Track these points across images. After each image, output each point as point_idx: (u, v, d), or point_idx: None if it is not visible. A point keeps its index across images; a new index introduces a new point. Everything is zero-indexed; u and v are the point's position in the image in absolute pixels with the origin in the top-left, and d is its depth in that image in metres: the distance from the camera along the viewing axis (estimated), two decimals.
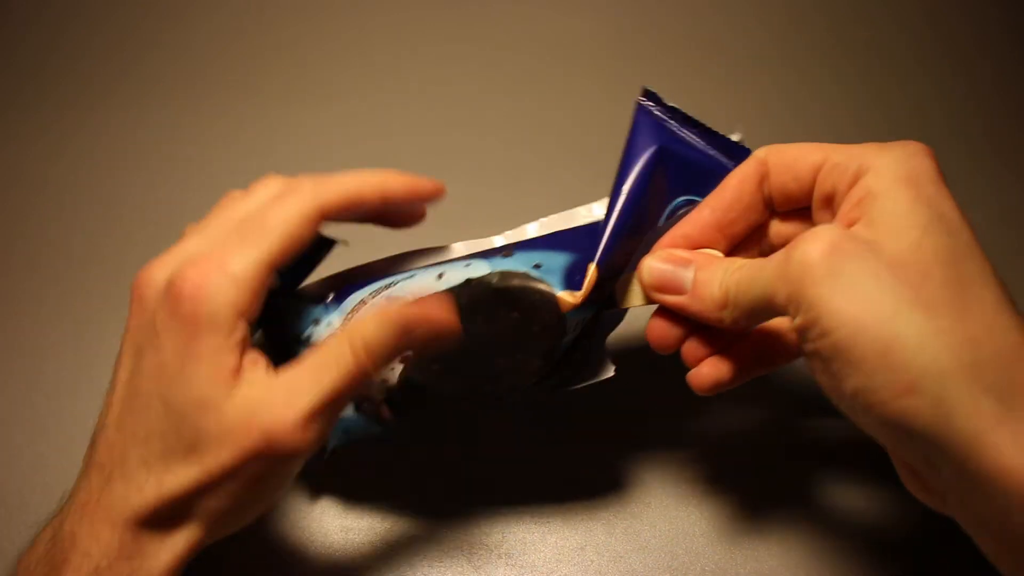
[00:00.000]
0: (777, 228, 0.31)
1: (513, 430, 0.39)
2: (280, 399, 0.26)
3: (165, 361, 0.27)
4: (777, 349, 0.31)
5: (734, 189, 0.30)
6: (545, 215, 0.33)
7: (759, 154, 0.30)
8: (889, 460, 0.28)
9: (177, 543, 0.28)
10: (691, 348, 0.31)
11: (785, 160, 0.29)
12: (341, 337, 0.27)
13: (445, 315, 0.28)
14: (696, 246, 0.30)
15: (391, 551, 0.35)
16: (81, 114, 0.56)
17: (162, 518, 0.27)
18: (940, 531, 0.34)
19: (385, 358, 0.27)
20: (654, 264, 0.30)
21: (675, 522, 0.36)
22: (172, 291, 0.27)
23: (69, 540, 0.27)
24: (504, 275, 0.30)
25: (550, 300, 0.29)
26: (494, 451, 0.38)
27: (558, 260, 0.31)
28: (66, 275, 0.46)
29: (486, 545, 0.35)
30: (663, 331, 0.31)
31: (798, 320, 0.25)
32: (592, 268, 0.30)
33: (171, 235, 0.30)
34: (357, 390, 0.28)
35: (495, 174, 0.51)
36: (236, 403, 0.26)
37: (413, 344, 0.28)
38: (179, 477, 0.27)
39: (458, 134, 0.55)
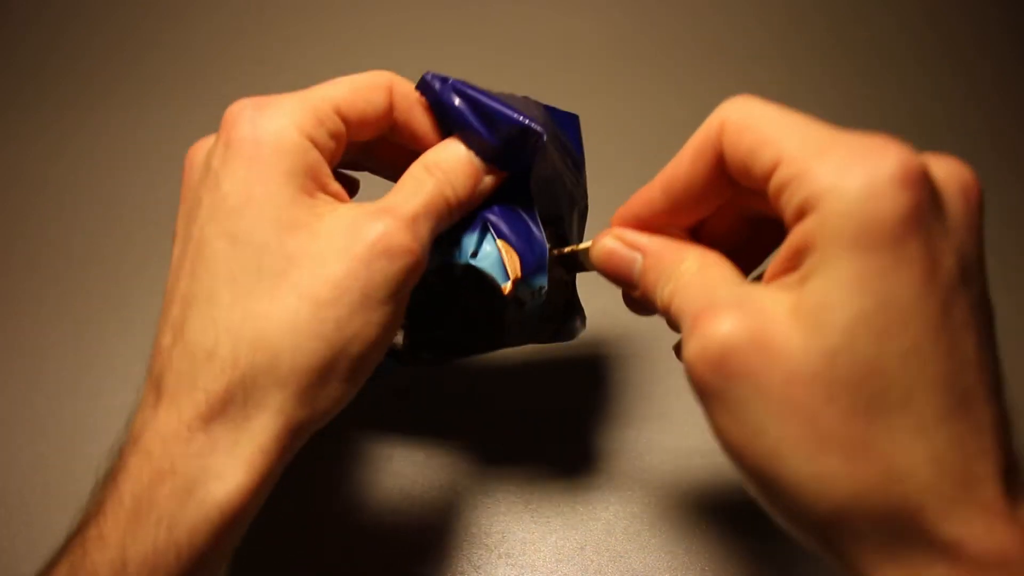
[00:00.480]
0: (754, 201, 0.25)
1: (514, 428, 0.39)
2: (380, 208, 0.24)
3: (226, 193, 0.23)
4: None
5: (687, 171, 0.24)
6: None
7: (714, 122, 0.23)
8: None
9: (264, 426, 0.22)
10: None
11: (740, 149, 0.22)
12: (417, 164, 0.26)
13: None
14: (651, 230, 0.26)
15: (390, 550, 0.35)
16: (81, 114, 0.56)
17: (242, 390, 0.22)
18: None
19: (461, 179, 0.27)
20: (604, 245, 0.27)
21: (676, 522, 0.36)
22: (224, 125, 0.24)
23: (131, 443, 0.23)
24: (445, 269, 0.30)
25: (495, 287, 0.29)
26: (494, 450, 0.38)
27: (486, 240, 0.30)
28: (66, 275, 0.46)
29: (486, 545, 0.35)
30: (631, 300, 0.28)
31: None
32: (501, 245, 0.29)
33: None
34: (446, 214, 0.26)
35: None
36: (332, 219, 0.23)
37: (491, 182, 0.28)
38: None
39: None
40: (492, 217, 0.29)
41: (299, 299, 0.22)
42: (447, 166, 0.26)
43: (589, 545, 0.35)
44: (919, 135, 0.57)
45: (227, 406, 0.22)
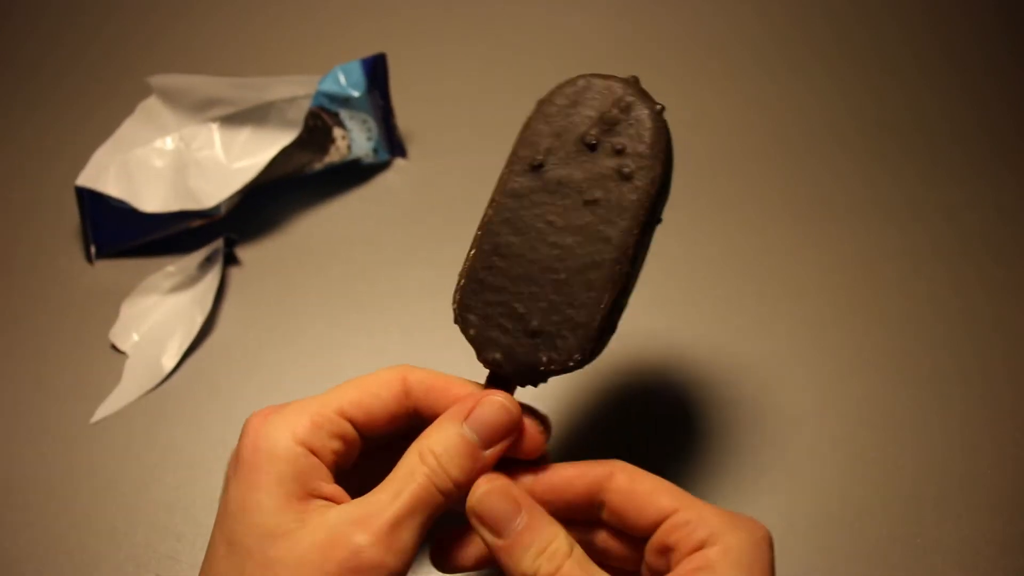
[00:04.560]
0: (604, 539, 0.29)
1: None
2: (360, 515, 0.25)
3: (227, 501, 0.26)
4: None
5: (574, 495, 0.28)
6: None
7: (610, 468, 0.28)
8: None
9: None
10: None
11: (637, 490, 0.27)
12: (412, 450, 0.27)
13: (514, 414, 0.28)
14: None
15: None
16: (81, 114, 0.56)
17: None
18: None
19: (456, 461, 0.26)
20: (497, 486, 0.27)
21: None
22: (241, 433, 0.27)
23: None
24: None
25: None
26: None
27: None
28: (66, 274, 0.47)
29: None
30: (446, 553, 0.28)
31: None
32: None
33: None
34: (440, 504, 0.26)
35: (494, 174, 0.51)
36: (312, 528, 0.25)
37: (493, 454, 0.27)
38: None
39: (457, 133, 0.55)
40: None
41: None
42: (440, 449, 0.26)
43: None
44: (919, 135, 0.57)
45: None
